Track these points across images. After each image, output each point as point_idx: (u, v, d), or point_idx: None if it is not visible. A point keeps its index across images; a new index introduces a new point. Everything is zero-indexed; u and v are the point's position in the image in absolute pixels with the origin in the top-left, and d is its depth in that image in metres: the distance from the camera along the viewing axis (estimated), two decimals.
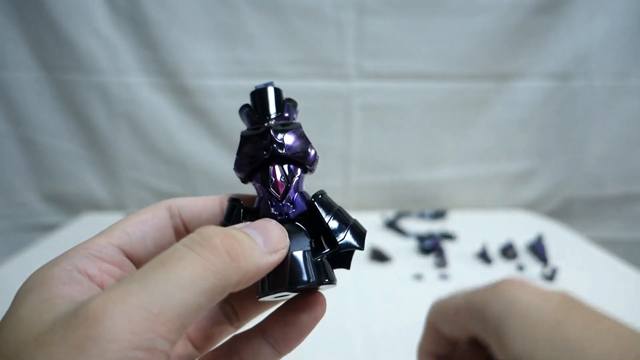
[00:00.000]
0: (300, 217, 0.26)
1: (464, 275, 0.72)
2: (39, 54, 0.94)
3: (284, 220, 0.25)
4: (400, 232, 0.89)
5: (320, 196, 0.26)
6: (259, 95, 0.27)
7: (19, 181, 1.02)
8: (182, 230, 0.26)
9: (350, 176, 1.05)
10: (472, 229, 0.90)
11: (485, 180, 1.08)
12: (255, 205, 0.26)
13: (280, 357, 0.26)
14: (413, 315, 0.63)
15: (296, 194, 0.26)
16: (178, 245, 0.18)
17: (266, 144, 0.25)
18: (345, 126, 1.00)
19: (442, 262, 0.75)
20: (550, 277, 0.70)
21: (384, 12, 0.93)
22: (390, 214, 0.98)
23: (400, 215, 0.98)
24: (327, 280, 0.24)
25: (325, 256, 0.25)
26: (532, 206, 1.10)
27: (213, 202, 0.27)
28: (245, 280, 0.20)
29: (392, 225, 0.91)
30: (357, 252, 0.26)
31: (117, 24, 0.92)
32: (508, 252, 0.78)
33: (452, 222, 0.97)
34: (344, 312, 0.62)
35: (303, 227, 0.25)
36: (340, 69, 0.96)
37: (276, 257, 0.22)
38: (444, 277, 0.72)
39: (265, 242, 0.21)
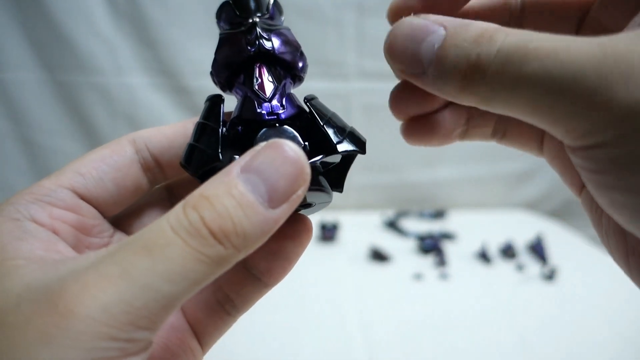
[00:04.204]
0: (290, 121, 0.22)
1: (464, 275, 0.72)
2: (39, 54, 0.94)
3: (273, 122, 0.22)
4: (400, 232, 0.89)
5: (312, 99, 0.23)
6: None
7: (19, 181, 1.02)
8: (153, 165, 0.23)
9: (350, 176, 1.05)
10: (472, 228, 0.90)
11: (485, 180, 1.08)
12: (235, 113, 0.22)
13: (269, 288, 0.24)
14: (413, 314, 0.63)
15: (284, 98, 0.23)
16: (165, 226, 0.16)
17: (252, 39, 0.22)
18: None
19: (441, 261, 0.75)
20: (550, 276, 0.70)
21: (384, 12, 0.93)
22: (390, 214, 0.98)
23: (400, 215, 0.98)
24: (319, 187, 0.21)
25: (319, 162, 0.21)
26: (533, 206, 1.10)
27: (185, 128, 0.24)
28: (245, 255, 0.17)
29: (392, 225, 0.91)
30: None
31: (117, 24, 0.93)
32: (508, 251, 0.78)
33: (452, 222, 0.97)
34: (344, 312, 0.63)
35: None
36: (340, 69, 0.96)
37: (286, 210, 0.17)
38: (443, 276, 0.72)
39: (271, 193, 0.17)
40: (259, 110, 0.21)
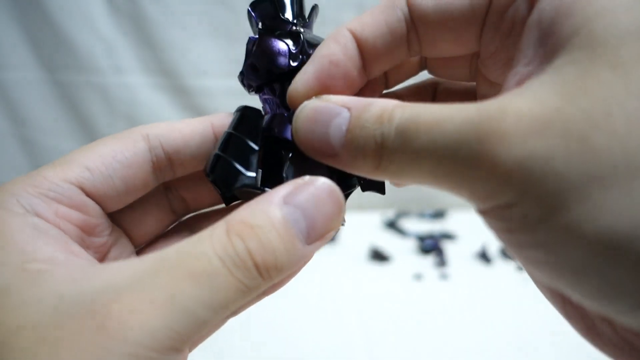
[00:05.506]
0: None
1: (464, 275, 0.72)
2: (39, 54, 0.94)
3: None
4: (400, 232, 0.89)
5: None
6: None
7: None
8: (165, 164, 0.22)
9: None
10: (472, 228, 0.90)
11: None
12: (263, 124, 0.22)
13: (265, 296, 0.24)
14: (413, 314, 0.63)
15: None
16: (210, 254, 0.16)
17: (295, 53, 0.22)
18: None
19: (442, 262, 0.75)
20: None
21: None
22: (390, 214, 0.97)
23: (400, 215, 0.98)
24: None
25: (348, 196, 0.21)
26: None
27: (203, 125, 0.23)
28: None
29: (392, 225, 0.91)
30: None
31: (117, 23, 0.92)
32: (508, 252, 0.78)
33: (452, 222, 0.96)
34: (344, 312, 0.63)
35: None
36: None
37: (318, 246, 0.18)
38: (443, 276, 0.72)
39: (310, 230, 0.17)
40: (291, 134, 0.21)
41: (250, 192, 0.20)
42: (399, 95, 0.25)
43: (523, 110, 0.14)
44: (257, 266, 0.16)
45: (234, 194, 0.21)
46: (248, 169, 0.20)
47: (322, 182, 0.18)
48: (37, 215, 0.18)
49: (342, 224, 0.21)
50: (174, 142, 0.22)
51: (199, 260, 0.15)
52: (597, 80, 0.13)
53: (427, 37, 0.20)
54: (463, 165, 0.15)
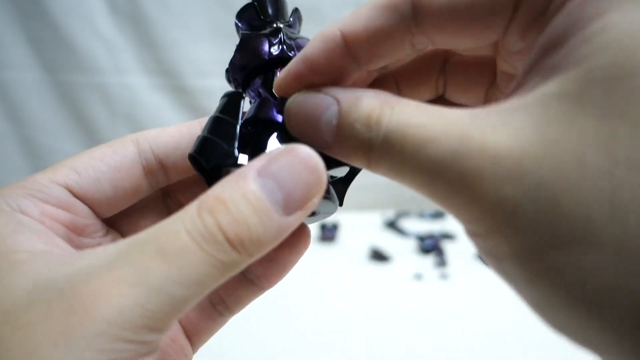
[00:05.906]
0: None
1: (464, 275, 0.72)
2: (39, 54, 0.94)
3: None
4: (400, 232, 0.89)
5: None
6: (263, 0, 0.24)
7: None
8: (156, 168, 0.22)
9: None
10: None
11: None
12: (250, 114, 0.22)
13: (263, 291, 0.24)
14: (413, 315, 0.63)
15: None
16: (180, 230, 0.15)
17: (275, 43, 0.23)
18: None
19: (442, 262, 0.75)
20: None
21: None
22: (390, 214, 0.98)
23: (400, 215, 0.98)
24: (328, 196, 0.21)
25: (332, 179, 0.22)
26: None
27: (191, 128, 0.23)
28: (254, 260, 0.17)
29: (392, 225, 0.91)
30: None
31: (117, 24, 0.93)
32: None
33: (452, 222, 0.96)
34: (344, 312, 0.63)
35: None
36: None
37: (299, 217, 0.17)
38: (444, 277, 0.72)
39: (287, 200, 0.16)
40: (276, 114, 0.21)
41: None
42: (397, 77, 0.24)
43: (501, 152, 0.14)
44: (229, 240, 0.15)
45: (220, 175, 0.21)
46: (234, 149, 0.20)
47: (297, 150, 0.17)
48: (23, 213, 0.18)
49: (335, 203, 0.21)
50: (163, 145, 0.22)
51: (168, 237, 0.15)
52: (580, 131, 0.13)
53: (436, 35, 0.19)
54: (444, 189, 0.15)
